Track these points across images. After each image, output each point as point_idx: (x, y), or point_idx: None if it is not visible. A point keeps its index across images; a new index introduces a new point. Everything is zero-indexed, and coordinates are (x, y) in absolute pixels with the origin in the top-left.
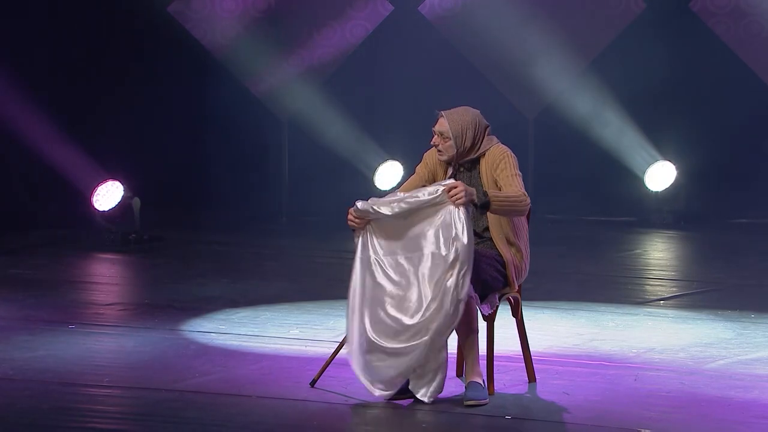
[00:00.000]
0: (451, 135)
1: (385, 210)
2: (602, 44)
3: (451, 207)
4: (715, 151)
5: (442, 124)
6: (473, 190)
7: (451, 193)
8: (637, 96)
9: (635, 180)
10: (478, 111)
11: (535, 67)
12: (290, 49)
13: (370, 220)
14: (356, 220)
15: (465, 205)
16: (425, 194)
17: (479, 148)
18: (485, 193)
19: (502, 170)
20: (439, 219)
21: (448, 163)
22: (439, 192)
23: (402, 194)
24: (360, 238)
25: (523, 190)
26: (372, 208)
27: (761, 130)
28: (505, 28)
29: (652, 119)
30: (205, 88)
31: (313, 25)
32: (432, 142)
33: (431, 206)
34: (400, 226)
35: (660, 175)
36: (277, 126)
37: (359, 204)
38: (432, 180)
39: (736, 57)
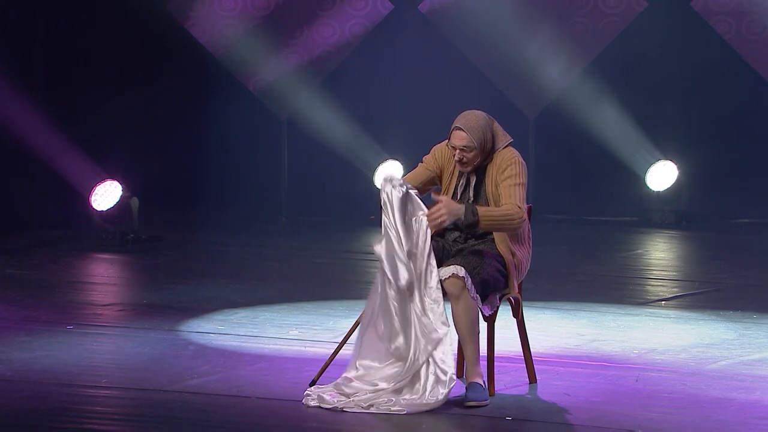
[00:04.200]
0: (476, 144)
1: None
2: (603, 43)
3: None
4: (716, 150)
5: (463, 138)
6: (459, 208)
7: (432, 218)
8: (638, 95)
9: (636, 180)
10: (480, 110)
11: (536, 67)
12: (289, 48)
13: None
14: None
15: (446, 225)
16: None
17: (496, 146)
18: (473, 212)
19: (507, 177)
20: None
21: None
22: (422, 222)
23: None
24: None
25: (521, 203)
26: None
27: (763, 129)
28: (505, 28)
29: (654, 118)
30: (204, 88)
31: (313, 23)
32: (456, 159)
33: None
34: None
35: (661, 175)
36: (277, 125)
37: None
38: (440, 175)
39: (738, 56)
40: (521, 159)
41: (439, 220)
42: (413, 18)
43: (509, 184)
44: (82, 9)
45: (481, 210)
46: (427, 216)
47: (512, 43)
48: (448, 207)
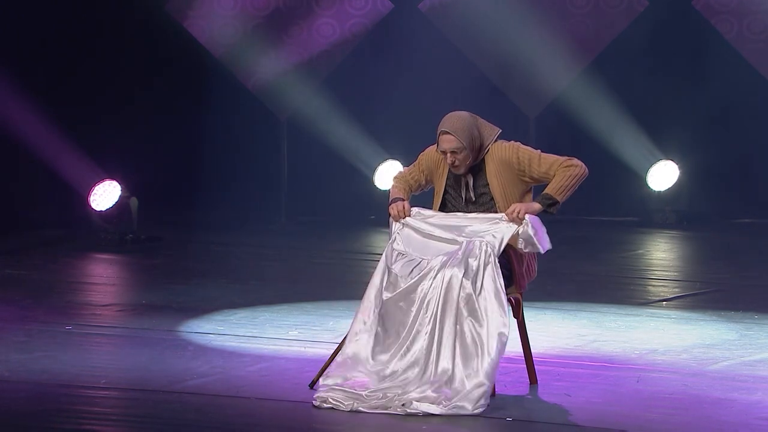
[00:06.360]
0: (464, 145)
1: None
2: (604, 42)
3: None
4: (718, 150)
5: (451, 141)
6: (531, 204)
7: (512, 216)
8: (639, 95)
9: (637, 179)
10: (463, 110)
11: (537, 66)
12: (289, 48)
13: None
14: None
15: (530, 214)
16: (484, 221)
17: (485, 142)
18: (545, 196)
19: (530, 162)
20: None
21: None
22: (500, 219)
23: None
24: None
25: (562, 157)
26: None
27: (764, 129)
28: (506, 27)
29: (655, 118)
30: (204, 88)
31: (312, 23)
32: (449, 163)
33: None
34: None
35: (662, 175)
36: (277, 126)
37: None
38: (430, 179)
39: (740, 55)
40: (517, 143)
41: (520, 214)
42: (413, 17)
43: (538, 161)
44: (82, 9)
45: (550, 190)
46: (507, 214)
47: (513, 42)
48: (519, 204)
